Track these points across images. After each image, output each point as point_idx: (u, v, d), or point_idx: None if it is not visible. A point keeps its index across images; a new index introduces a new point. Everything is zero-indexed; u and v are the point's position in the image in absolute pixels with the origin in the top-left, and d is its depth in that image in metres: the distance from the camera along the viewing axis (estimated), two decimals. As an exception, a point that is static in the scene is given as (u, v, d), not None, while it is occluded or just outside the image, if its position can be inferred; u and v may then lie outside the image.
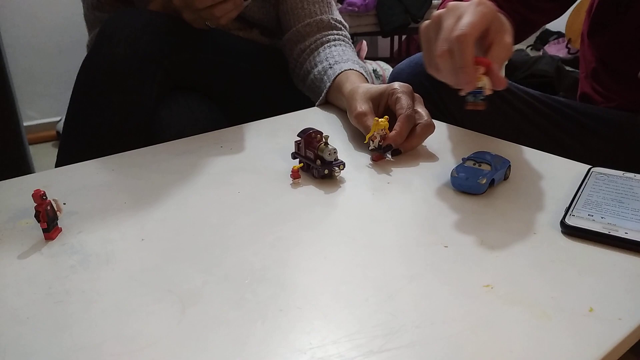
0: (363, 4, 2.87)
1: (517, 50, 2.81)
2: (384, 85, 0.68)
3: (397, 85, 0.66)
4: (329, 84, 0.81)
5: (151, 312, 0.39)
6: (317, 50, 0.89)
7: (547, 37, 3.23)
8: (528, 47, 3.16)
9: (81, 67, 0.77)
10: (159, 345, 0.36)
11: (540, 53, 2.95)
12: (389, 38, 3.36)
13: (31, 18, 2.49)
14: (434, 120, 0.65)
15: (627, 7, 0.80)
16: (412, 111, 0.63)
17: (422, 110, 0.65)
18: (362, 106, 0.66)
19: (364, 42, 2.62)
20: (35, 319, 0.38)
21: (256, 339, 0.36)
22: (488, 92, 0.54)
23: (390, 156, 0.63)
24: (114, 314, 0.39)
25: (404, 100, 0.63)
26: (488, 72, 0.54)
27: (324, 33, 0.91)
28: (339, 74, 0.80)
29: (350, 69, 0.80)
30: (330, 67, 0.83)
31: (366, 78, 0.80)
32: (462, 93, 0.55)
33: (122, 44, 0.74)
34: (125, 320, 0.38)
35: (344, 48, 0.89)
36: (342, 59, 0.84)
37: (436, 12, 0.57)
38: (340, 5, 2.89)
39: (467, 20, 0.52)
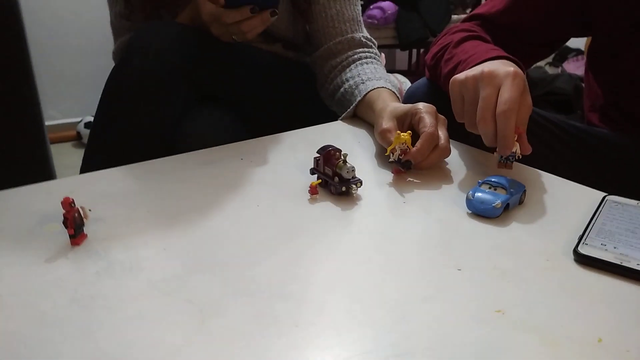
0: (383, 17, 2.88)
1: (536, 67, 2.80)
2: (409, 105, 0.70)
3: (421, 105, 0.68)
4: (359, 98, 0.83)
5: (172, 321, 0.40)
6: (348, 67, 0.92)
7: (566, 54, 3.21)
8: (547, 64, 3.14)
9: (110, 77, 0.79)
10: (178, 355, 0.37)
11: (559, 70, 2.94)
12: (407, 51, 3.37)
13: (57, 19, 2.54)
14: (452, 141, 0.66)
15: (619, 54, 0.81)
16: (434, 129, 0.64)
17: (442, 133, 0.66)
18: (387, 123, 0.68)
19: (382, 55, 2.62)
20: (61, 323, 0.40)
21: (272, 352, 0.37)
22: (519, 156, 0.61)
23: (403, 169, 0.65)
24: (137, 321, 0.40)
25: (427, 119, 0.65)
26: (518, 139, 0.60)
27: (355, 50, 0.93)
28: (370, 91, 0.82)
29: (382, 87, 0.83)
30: (363, 83, 0.86)
31: (398, 97, 0.82)
32: (496, 154, 0.61)
33: (151, 56, 0.77)
34: (147, 328, 0.40)
35: (375, 66, 0.91)
36: (374, 77, 0.87)
37: (471, 74, 0.62)
38: (360, 18, 2.90)
39: (509, 95, 0.58)
